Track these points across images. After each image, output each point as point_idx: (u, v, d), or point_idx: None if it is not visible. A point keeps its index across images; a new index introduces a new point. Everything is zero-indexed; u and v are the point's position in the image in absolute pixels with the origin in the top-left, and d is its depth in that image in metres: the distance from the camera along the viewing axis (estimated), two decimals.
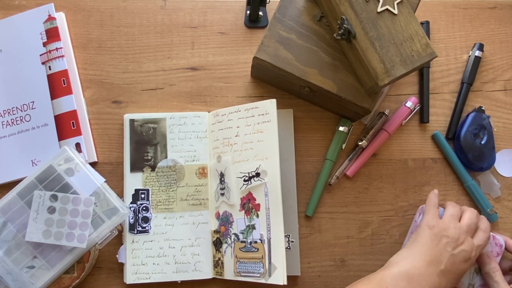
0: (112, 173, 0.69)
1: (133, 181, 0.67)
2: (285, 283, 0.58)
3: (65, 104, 0.67)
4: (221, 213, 0.66)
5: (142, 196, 0.67)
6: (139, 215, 0.66)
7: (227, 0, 0.74)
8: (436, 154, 0.72)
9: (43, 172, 0.60)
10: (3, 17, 0.70)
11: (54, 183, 0.59)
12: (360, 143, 0.70)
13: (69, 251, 0.59)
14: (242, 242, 0.63)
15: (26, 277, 0.58)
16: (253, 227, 0.62)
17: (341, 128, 0.70)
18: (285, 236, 0.66)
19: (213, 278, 0.66)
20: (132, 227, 0.66)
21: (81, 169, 0.60)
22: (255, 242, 0.62)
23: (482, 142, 0.70)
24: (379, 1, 0.58)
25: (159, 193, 0.67)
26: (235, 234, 0.64)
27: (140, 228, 0.66)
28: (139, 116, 0.68)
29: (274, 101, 0.63)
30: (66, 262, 0.59)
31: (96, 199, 0.60)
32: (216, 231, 0.66)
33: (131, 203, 0.66)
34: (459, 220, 0.59)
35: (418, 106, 0.72)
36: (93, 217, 0.59)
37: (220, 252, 0.65)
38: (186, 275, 0.65)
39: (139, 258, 0.65)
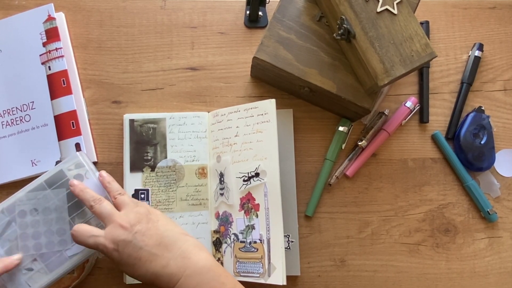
0: (112, 173, 0.68)
1: (133, 181, 0.67)
2: (285, 283, 0.58)
3: (65, 104, 0.67)
4: (220, 213, 0.66)
5: (142, 196, 0.67)
6: None
7: (227, 0, 0.74)
8: (436, 154, 0.72)
9: (53, 175, 0.59)
10: (3, 17, 0.70)
11: (62, 188, 0.59)
12: (360, 143, 0.70)
13: (69, 257, 0.58)
14: (241, 242, 0.63)
15: (24, 278, 0.57)
16: (252, 227, 0.62)
17: (341, 128, 0.70)
18: (284, 236, 0.66)
19: None
20: None
21: (91, 176, 0.60)
22: (255, 242, 0.62)
23: (482, 142, 0.70)
24: (378, 1, 0.58)
25: (159, 193, 0.67)
26: (235, 234, 0.64)
27: None
28: (139, 116, 0.68)
29: (273, 101, 0.63)
30: (65, 269, 0.58)
31: None
32: (215, 231, 0.66)
33: None
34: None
35: (418, 106, 0.72)
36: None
37: (220, 252, 0.65)
38: None
39: None
